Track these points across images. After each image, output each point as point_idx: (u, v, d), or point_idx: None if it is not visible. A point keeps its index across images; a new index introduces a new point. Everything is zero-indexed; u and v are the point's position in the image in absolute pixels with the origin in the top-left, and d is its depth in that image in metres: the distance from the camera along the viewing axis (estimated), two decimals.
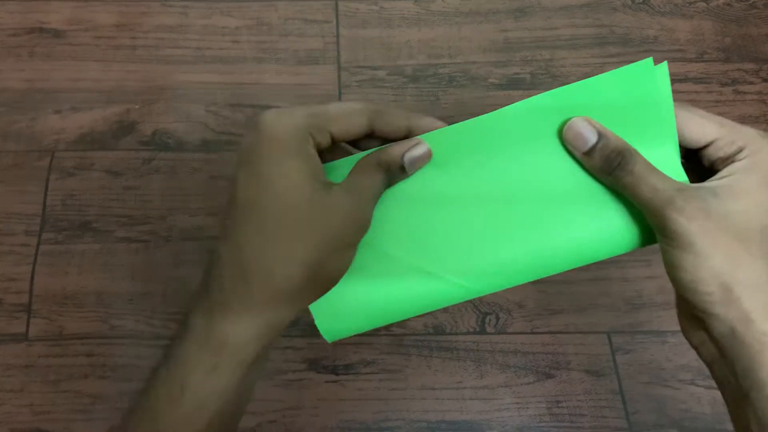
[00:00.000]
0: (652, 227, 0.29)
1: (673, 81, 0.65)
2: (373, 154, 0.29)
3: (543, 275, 0.30)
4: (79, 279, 0.51)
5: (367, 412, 0.47)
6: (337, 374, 0.48)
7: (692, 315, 0.31)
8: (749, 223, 0.28)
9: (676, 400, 0.48)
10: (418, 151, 0.29)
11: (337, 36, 0.63)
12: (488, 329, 0.50)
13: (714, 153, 0.31)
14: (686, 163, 0.31)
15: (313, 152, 0.27)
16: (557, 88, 0.29)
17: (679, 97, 0.62)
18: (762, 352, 0.28)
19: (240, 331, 0.26)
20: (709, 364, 0.32)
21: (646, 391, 0.48)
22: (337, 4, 0.64)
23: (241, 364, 0.26)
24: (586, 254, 0.31)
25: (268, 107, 0.62)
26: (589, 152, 0.29)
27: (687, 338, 0.32)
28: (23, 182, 0.55)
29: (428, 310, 0.31)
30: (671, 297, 0.54)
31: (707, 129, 0.31)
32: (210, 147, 0.57)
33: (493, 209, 0.30)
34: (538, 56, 0.62)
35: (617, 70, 0.30)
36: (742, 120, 0.59)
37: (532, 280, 0.30)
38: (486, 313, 0.51)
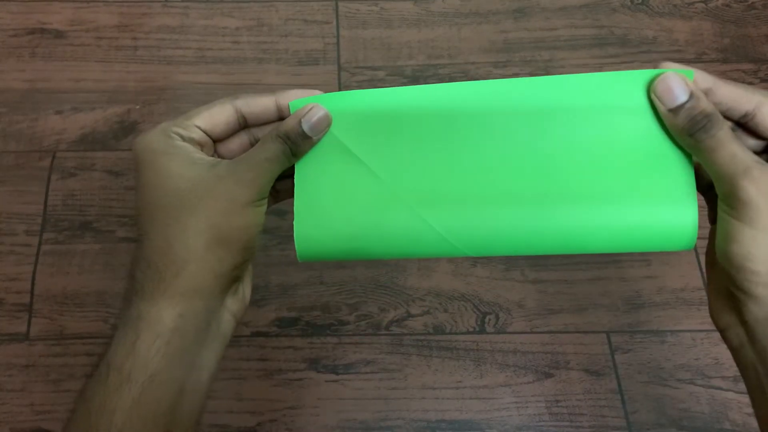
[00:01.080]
0: (719, 194, 0.29)
1: None
2: (273, 128, 0.31)
3: (537, 252, 0.30)
4: (80, 279, 0.51)
5: (367, 412, 0.47)
6: (337, 374, 0.48)
7: (727, 294, 0.30)
8: None
9: (675, 400, 0.48)
10: (315, 114, 0.31)
11: (337, 36, 0.63)
12: (488, 329, 0.50)
13: (762, 122, 0.29)
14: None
15: (182, 144, 0.30)
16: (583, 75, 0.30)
17: None
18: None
19: (153, 306, 0.28)
20: (734, 349, 0.31)
21: (645, 391, 0.48)
22: (337, 5, 0.65)
23: (160, 336, 0.28)
24: (600, 241, 0.30)
25: None
26: (676, 110, 0.29)
27: (714, 319, 0.31)
28: (24, 182, 0.55)
29: (407, 256, 0.31)
30: (670, 297, 0.54)
31: (745, 97, 0.29)
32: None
33: (500, 171, 0.30)
34: (537, 57, 0.62)
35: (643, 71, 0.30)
36: None
37: (523, 254, 0.30)
38: (486, 312, 0.51)
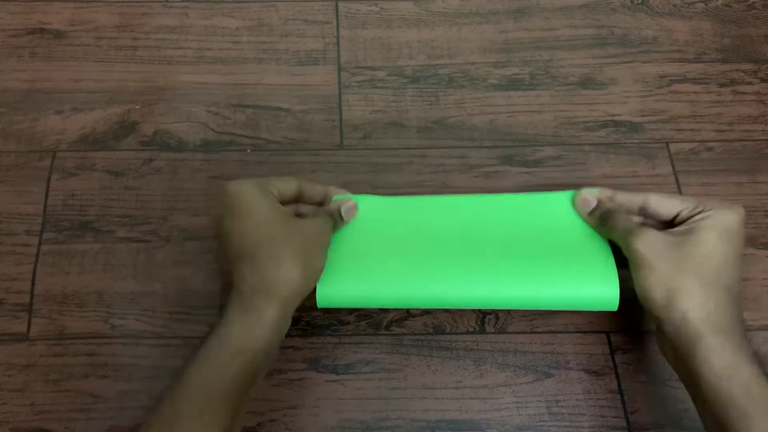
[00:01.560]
0: (624, 253, 0.43)
1: (671, 82, 0.65)
2: (325, 206, 0.48)
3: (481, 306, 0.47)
4: (80, 279, 0.51)
5: (367, 412, 0.47)
6: (337, 374, 0.48)
7: (658, 328, 0.43)
8: (694, 256, 0.40)
9: (675, 400, 0.48)
10: (350, 206, 0.48)
11: (337, 37, 0.63)
12: (488, 329, 0.50)
13: (680, 220, 0.43)
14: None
15: (273, 197, 0.43)
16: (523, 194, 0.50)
17: (678, 97, 0.63)
18: (695, 344, 0.39)
19: (268, 306, 0.40)
20: (676, 370, 0.43)
21: (645, 391, 0.48)
22: (337, 5, 0.65)
23: (268, 325, 0.40)
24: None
25: (269, 107, 0.63)
26: (591, 212, 0.47)
27: (662, 353, 0.44)
28: (24, 182, 0.55)
29: (400, 307, 0.48)
30: None
31: (673, 205, 0.44)
32: (211, 147, 0.57)
33: (459, 252, 0.46)
34: (537, 57, 0.62)
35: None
36: (742, 120, 0.59)
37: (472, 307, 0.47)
38: (486, 312, 0.51)
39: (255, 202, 0.41)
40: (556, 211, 0.47)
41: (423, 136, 0.58)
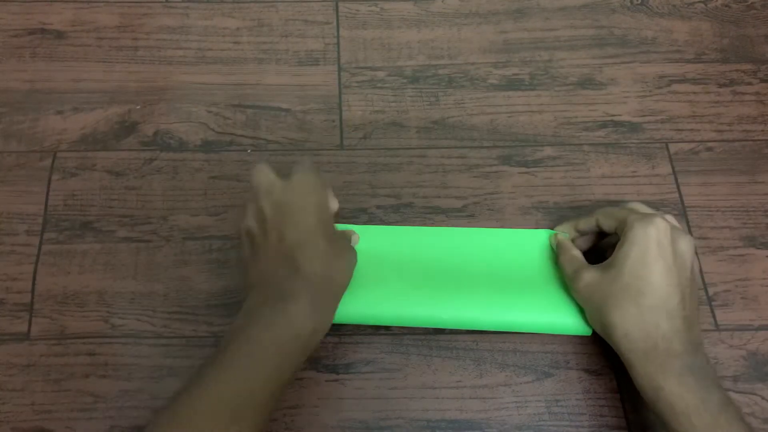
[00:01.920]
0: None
1: (671, 82, 0.65)
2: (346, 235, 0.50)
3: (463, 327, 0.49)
4: (81, 278, 0.51)
5: (367, 411, 0.47)
6: (338, 373, 0.49)
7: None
8: (614, 286, 0.43)
9: None
10: (355, 237, 0.50)
11: (338, 37, 0.63)
12: None
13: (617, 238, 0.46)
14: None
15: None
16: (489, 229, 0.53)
17: (678, 97, 0.63)
18: (626, 353, 0.42)
19: (330, 298, 0.44)
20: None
21: None
22: (337, 6, 0.65)
23: (332, 313, 0.44)
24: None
25: (269, 107, 0.63)
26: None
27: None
28: (25, 182, 0.55)
29: (396, 324, 0.50)
30: None
31: (609, 226, 0.47)
32: (211, 147, 0.57)
33: (447, 278, 0.50)
34: (537, 57, 0.62)
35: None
36: (741, 120, 0.60)
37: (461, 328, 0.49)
38: None
39: (327, 198, 0.46)
40: (535, 245, 0.52)
41: (423, 136, 0.58)
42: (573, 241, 0.50)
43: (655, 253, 0.42)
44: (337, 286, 0.44)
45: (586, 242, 0.51)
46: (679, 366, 0.40)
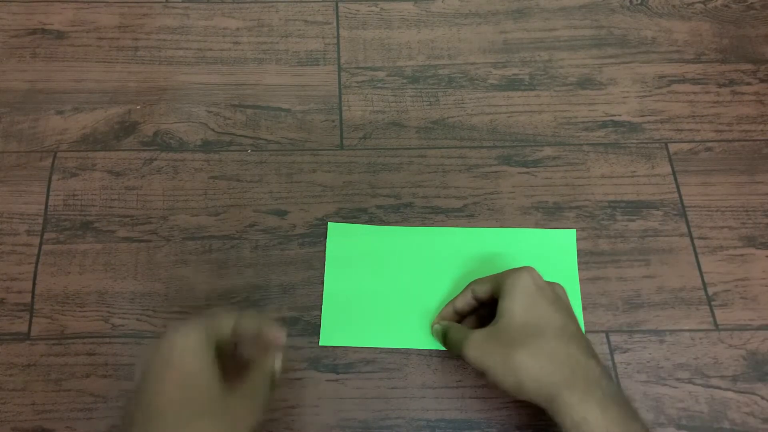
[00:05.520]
0: None
1: (670, 82, 0.65)
2: (261, 370, 0.39)
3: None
4: (81, 278, 0.51)
5: (368, 411, 0.47)
6: (338, 373, 0.49)
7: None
8: (510, 332, 0.42)
9: (674, 399, 0.48)
10: (279, 362, 0.41)
11: (337, 37, 0.63)
12: None
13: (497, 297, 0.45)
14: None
15: (214, 359, 0.37)
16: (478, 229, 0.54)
17: (677, 97, 0.63)
18: (546, 388, 0.40)
19: None
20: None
21: (644, 390, 0.48)
22: (337, 6, 0.65)
23: None
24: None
25: (269, 108, 0.63)
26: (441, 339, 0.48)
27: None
28: (26, 182, 0.55)
29: (386, 346, 0.50)
30: (669, 296, 0.55)
31: (485, 289, 0.46)
32: (211, 147, 0.57)
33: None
34: (536, 57, 0.62)
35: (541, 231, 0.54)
36: (740, 120, 0.60)
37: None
38: None
39: (192, 362, 0.36)
40: (535, 243, 0.53)
41: (422, 136, 0.58)
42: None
43: (538, 293, 0.43)
44: None
45: (470, 323, 0.49)
46: (600, 395, 0.39)
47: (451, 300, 0.49)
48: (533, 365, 0.40)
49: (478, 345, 0.42)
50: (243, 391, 0.37)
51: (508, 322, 0.42)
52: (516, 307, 0.42)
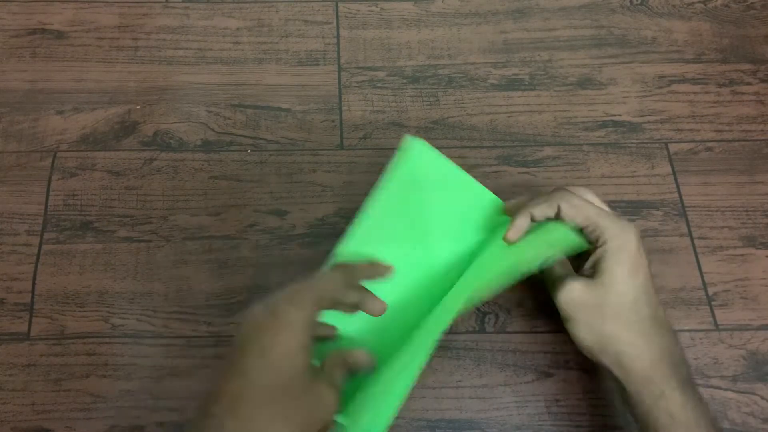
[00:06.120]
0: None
1: (671, 82, 0.65)
2: (341, 355, 0.41)
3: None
4: (81, 278, 0.51)
5: None
6: None
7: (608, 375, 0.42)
8: (611, 296, 0.41)
9: None
10: (364, 360, 0.42)
11: (337, 37, 0.63)
12: (488, 328, 0.50)
13: (588, 236, 0.43)
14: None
15: (311, 341, 0.37)
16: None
17: (677, 97, 0.63)
18: (628, 362, 0.40)
19: None
20: (632, 415, 0.42)
21: None
22: (337, 6, 0.65)
23: None
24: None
25: (269, 107, 0.62)
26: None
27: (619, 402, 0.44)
28: (25, 182, 0.55)
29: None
30: (670, 296, 0.54)
31: (577, 219, 0.42)
32: (211, 147, 0.57)
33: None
34: (536, 57, 0.62)
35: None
36: (741, 120, 0.60)
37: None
38: (486, 312, 0.51)
39: (289, 342, 0.35)
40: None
41: (423, 136, 0.58)
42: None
43: (641, 259, 0.42)
44: None
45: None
46: (686, 374, 0.40)
47: (529, 204, 0.44)
48: (625, 339, 0.40)
49: (576, 294, 0.41)
50: (324, 381, 0.37)
51: (610, 284, 0.41)
52: (622, 272, 0.41)
